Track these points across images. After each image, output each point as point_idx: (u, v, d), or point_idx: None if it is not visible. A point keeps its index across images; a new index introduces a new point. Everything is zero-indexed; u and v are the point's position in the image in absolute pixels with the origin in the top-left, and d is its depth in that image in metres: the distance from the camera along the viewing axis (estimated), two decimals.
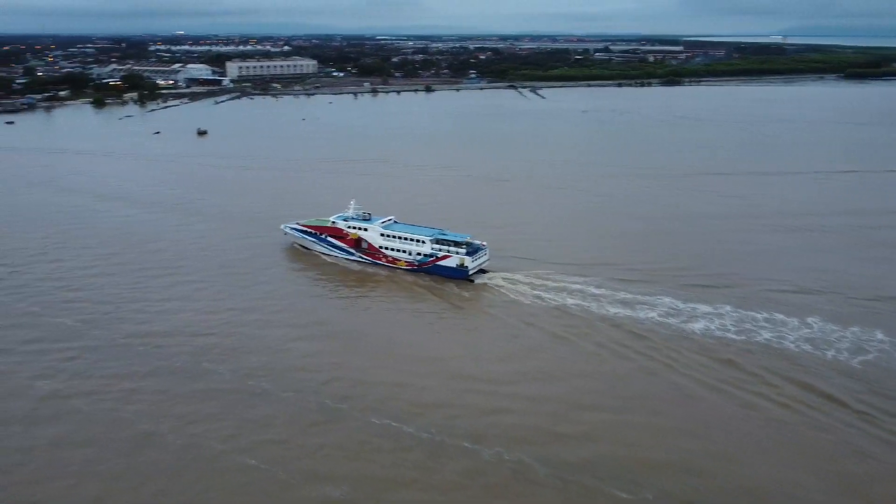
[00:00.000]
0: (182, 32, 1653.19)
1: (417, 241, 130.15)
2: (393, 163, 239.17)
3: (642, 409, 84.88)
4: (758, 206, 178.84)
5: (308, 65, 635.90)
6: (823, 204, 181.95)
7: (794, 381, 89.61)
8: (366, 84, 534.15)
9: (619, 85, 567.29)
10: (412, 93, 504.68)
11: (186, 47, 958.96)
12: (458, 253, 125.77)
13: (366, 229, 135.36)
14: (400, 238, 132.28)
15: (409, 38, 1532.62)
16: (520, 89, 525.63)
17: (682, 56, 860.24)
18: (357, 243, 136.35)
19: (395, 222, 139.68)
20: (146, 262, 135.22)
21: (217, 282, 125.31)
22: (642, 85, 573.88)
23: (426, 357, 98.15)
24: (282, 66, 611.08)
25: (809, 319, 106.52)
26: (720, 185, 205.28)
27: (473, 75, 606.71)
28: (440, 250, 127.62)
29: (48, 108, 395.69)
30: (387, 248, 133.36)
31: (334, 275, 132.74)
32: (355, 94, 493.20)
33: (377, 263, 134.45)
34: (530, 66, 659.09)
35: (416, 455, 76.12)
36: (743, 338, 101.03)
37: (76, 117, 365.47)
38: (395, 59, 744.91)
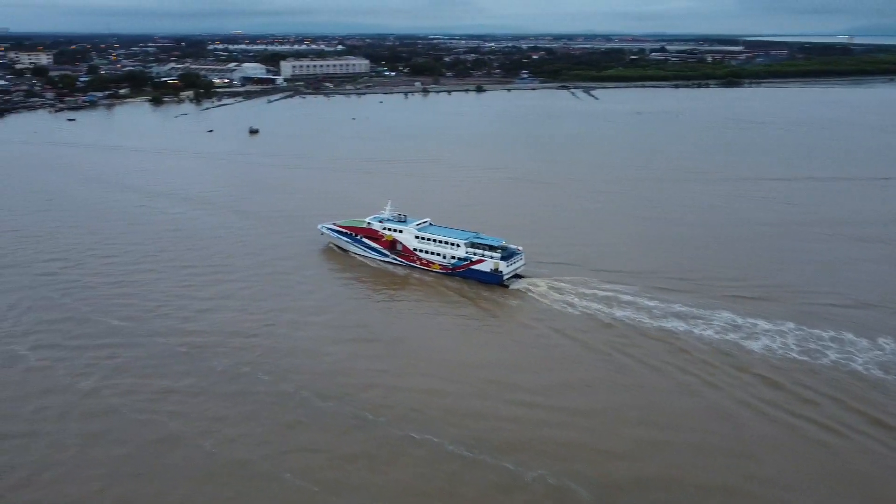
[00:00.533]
0: (240, 32, 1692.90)
1: (452, 244, 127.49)
2: (440, 163, 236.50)
3: (693, 429, 79.60)
4: (816, 213, 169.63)
5: (360, 64, 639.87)
6: (889, 212, 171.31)
7: (862, 413, 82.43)
8: (417, 84, 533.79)
9: (676, 86, 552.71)
10: (463, 93, 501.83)
11: (243, 46, 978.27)
12: (492, 257, 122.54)
13: (401, 231, 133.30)
14: (434, 241, 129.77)
15: (462, 37, 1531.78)
16: (572, 90, 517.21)
17: (742, 56, 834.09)
18: (392, 245, 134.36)
19: (431, 224, 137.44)
20: (192, 260, 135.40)
21: (258, 282, 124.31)
22: (700, 86, 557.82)
23: (461, 363, 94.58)
24: (334, 66, 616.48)
25: (881, 340, 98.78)
26: (780, 189, 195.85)
27: (525, 75, 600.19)
28: (474, 254, 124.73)
29: (109, 106, 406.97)
30: (421, 251, 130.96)
31: (369, 277, 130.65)
32: (406, 93, 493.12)
33: (412, 266, 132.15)
34: (583, 66, 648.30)
35: (450, 467, 72.80)
36: (807, 359, 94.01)
37: (134, 115, 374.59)
38: (447, 59, 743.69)
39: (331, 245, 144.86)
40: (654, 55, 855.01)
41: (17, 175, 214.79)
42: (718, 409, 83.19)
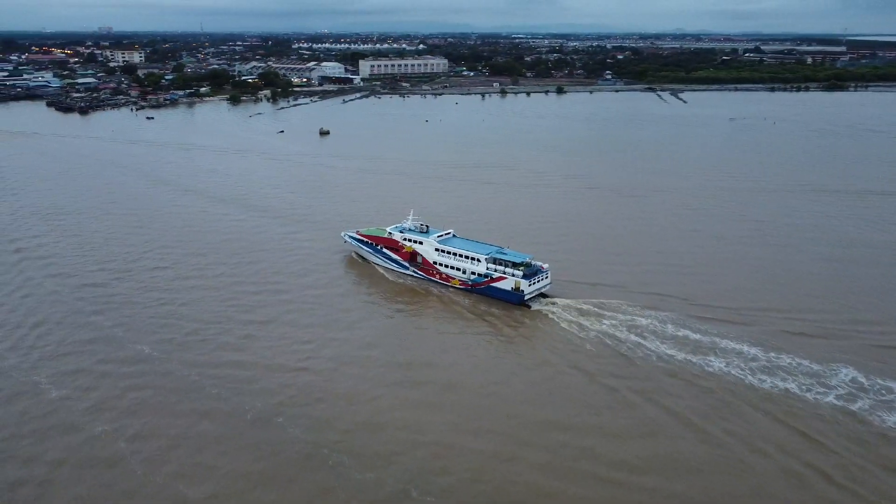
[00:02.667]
0: (326, 31, 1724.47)
1: (473, 258, 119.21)
2: (515, 170, 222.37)
3: None
4: None
5: (439, 64, 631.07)
6: None
7: None
8: (495, 84, 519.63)
9: (772, 89, 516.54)
10: (542, 94, 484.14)
11: (327, 45, 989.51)
12: (513, 275, 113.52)
13: (421, 242, 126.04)
14: (455, 254, 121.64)
15: (545, 36, 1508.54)
16: (659, 92, 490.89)
17: (846, 58, 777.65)
18: (412, 257, 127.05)
19: (454, 236, 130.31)
20: (242, 275, 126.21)
21: (303, 304, 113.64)
22: (799, 90, 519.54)
23: (511, 415, 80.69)
24: (413, 65, 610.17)
25: None
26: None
27: (609, 76, 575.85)
28: (495, 270, 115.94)
29: (189, 104, 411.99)
30: (441, 265, 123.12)
31: (386, 292, 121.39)
32: (483, 94, 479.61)
33: (431, 280, 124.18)
34: (671, 67, 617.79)
35: None
36: None
37: (211, 113, 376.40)
38: (527, 59, 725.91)
39: (353, 254, 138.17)
40: (747, 56, 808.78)
41: (90, 174, 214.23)
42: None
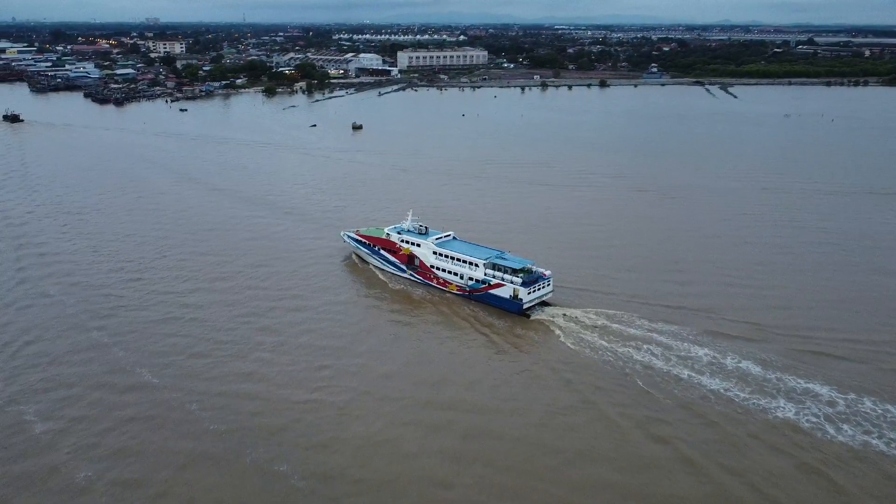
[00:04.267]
0: (368, 21, 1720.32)
1: (471, 263, 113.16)
2: (554, 168, 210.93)
3: None
4: None
5: (478, 56, 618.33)
6: None
7: None
8: (535, 77, 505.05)
9: (828, 84, 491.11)
10: (585, 87, 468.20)
11: (367, 36, 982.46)
12: (511, 282, 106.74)
13: (419, 245, 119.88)
14: (452, 258, 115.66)
15: (588, 27, 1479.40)
16: (707, 86, 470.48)
17: None
18: (410, 259, 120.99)
19: (455, 239, 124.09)
20: (258, 284, 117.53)
21: (319, 322, 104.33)
22: (857, 84, 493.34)
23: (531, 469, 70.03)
24: (452, 57, 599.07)
25: None
26: None
27: (654, 69, 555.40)
28: (493, 277, 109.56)
29: (225, 96, 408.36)
30: (438, 269, 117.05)
31: (384, 299, 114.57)
32: (523, 88, 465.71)
33: (429, 284, 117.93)
34: (720, 60, 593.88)
35: None
36: None
37: (245, 106, 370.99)
38: (570, 51, 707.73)
39: (353, 255, 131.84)
40: (800, 48, 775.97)
41: (116, 170, 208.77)
42: None
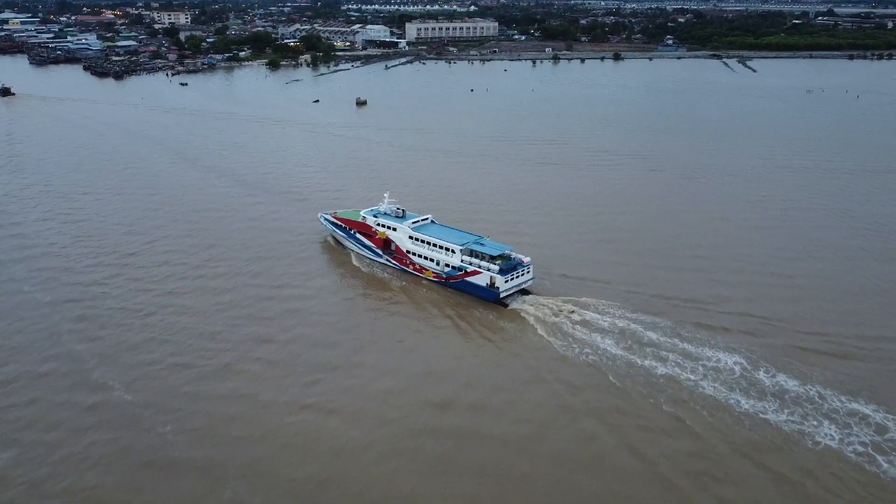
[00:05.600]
0: None
1: (447, 249, 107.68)
2: (568, 145, 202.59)
3: None
4: None
5: (488, 27, 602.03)
6: None
7: None
8: (547, 49, 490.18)
9: (851, 57, 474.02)
10: (598, 60, 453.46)
11: (376, 6, 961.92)
12: (489, 269, 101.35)
13: (395, 229, 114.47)
14: (428, 244, 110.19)
15: None
16: (725, 60, 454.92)
17: None
18: (386, 244, 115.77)
19: (433, 223, 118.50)
20: (248, 276, 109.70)
21: (312, 322, 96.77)
22: (881, 57, 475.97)
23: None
24: (461, 28, 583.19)
25: None
26: None
27: (670, 41, 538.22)
28: (470, 264, 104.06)
29: (228, 69, 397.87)
30: (414, 254, 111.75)
31: (360, 286, 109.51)
32: (534, 61, 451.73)
33: (405, 270, 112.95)
34: (738, 32, 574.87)
35: None
36: None
37: (247, 80, 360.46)
38: (583, 22, 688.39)
39: (328, 238, 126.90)
40: (820, 20, 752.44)
41: (109, 148, 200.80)
42: None
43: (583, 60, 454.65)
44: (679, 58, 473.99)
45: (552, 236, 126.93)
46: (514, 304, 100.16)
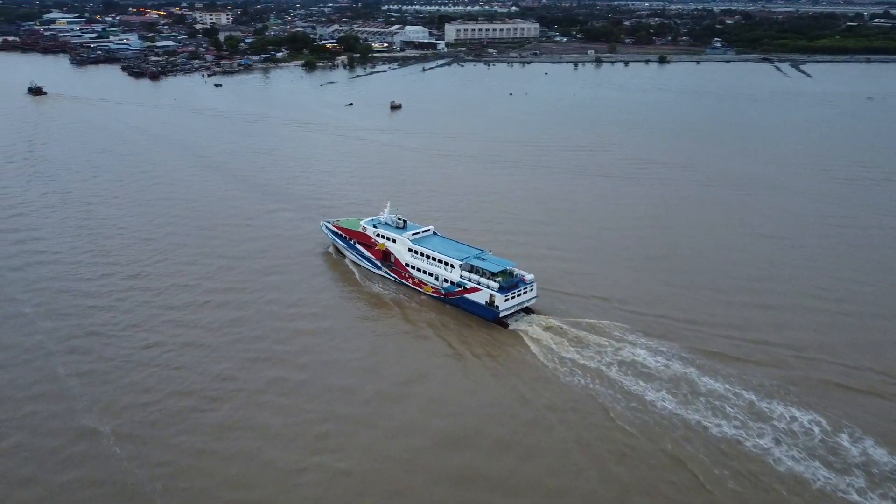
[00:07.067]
0: None
1: (446, 263, 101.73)
2: (610, 152, 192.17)
3: None
4: None
5: (529, 28, 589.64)
6: None
7: None
8: (589, 52, 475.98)
9: None
10: (642, 63, 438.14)
11: (416, 7, 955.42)
12: (488, 287, 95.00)
13: (394, 240, 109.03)
14: (428, 257, 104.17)
15: None
16: (776, 63, 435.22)
17: None
18: (385, 256, 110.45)
19: (435, 234, 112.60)
20: (265, 320, 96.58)
21: (319, 360, 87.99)
22: None
23: None
24: (501, 30, 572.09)
25: None
26: None
27: (718, 44, 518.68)
28: (469, 280, 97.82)
29: (264, 70, 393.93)
30: (413, 268, 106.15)
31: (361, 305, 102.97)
32: (576, 63, 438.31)
33: (404, 284, 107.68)
34: (789, 35, 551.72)
35: None
36: None
37: (282, 81, 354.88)
38: (626, 23, 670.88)
39: (331, 248, 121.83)
40: (876, 21, 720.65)
41: (135, 152, 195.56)
42: None
43: (626, 63, 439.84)
44: (728, 61, 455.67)
45: (578, 252, 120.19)
46: (517, 324, 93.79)
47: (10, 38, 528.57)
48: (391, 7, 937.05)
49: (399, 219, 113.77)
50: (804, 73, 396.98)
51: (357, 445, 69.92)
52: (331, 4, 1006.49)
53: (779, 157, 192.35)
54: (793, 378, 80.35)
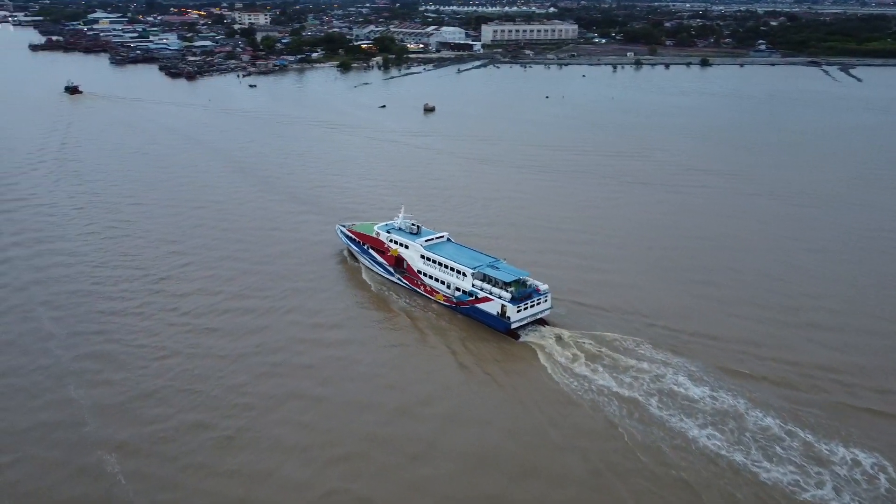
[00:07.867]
0: None
1: (458, 272, 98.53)
2: (650, 159, 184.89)
3: None
4: None
5: (567, 29, 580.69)
6: None
7: None
8: (629, 54, 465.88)
9: None
10: (684, 66, 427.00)
11: (454, 7, 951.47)
12: (500, 297, 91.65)
13: (407, 246, 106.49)
14: (440, 265, 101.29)
15: None
16: (824, 67, 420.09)
17: None
18: (398, 262, 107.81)
19: (449, 241, 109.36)
20: (286, 333, 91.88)
21: (340, 379, 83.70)
22: None
23: None
24: (539, 31, 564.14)
25: None
26: None
27: (762, 46, 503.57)
28: (481, 289, 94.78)
29: (299, 71, 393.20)
30: (425, 275, 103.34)
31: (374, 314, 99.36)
32: (615, 66, 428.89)
33: (416, 291, 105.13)
34: (838, 37, 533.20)
35: None
36: None
37: (316, 82, 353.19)
38: (667, 24, 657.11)
39: (346, 252, 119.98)
40: None
41: (165, 155, 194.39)
42: None
43: (667, 66, 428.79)
44: (773, 64, 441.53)
45: (613, 262, 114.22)
46: (529, 337, 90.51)
47: (55, 38, 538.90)
48: (428, 8, 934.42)
49: (413, 224, 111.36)
50: (854, 77, 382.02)
51: (378, 469, 65.50)
52: (368, 5, 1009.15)
53: (833, 165, 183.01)
54: (853, 412, 73.47)
